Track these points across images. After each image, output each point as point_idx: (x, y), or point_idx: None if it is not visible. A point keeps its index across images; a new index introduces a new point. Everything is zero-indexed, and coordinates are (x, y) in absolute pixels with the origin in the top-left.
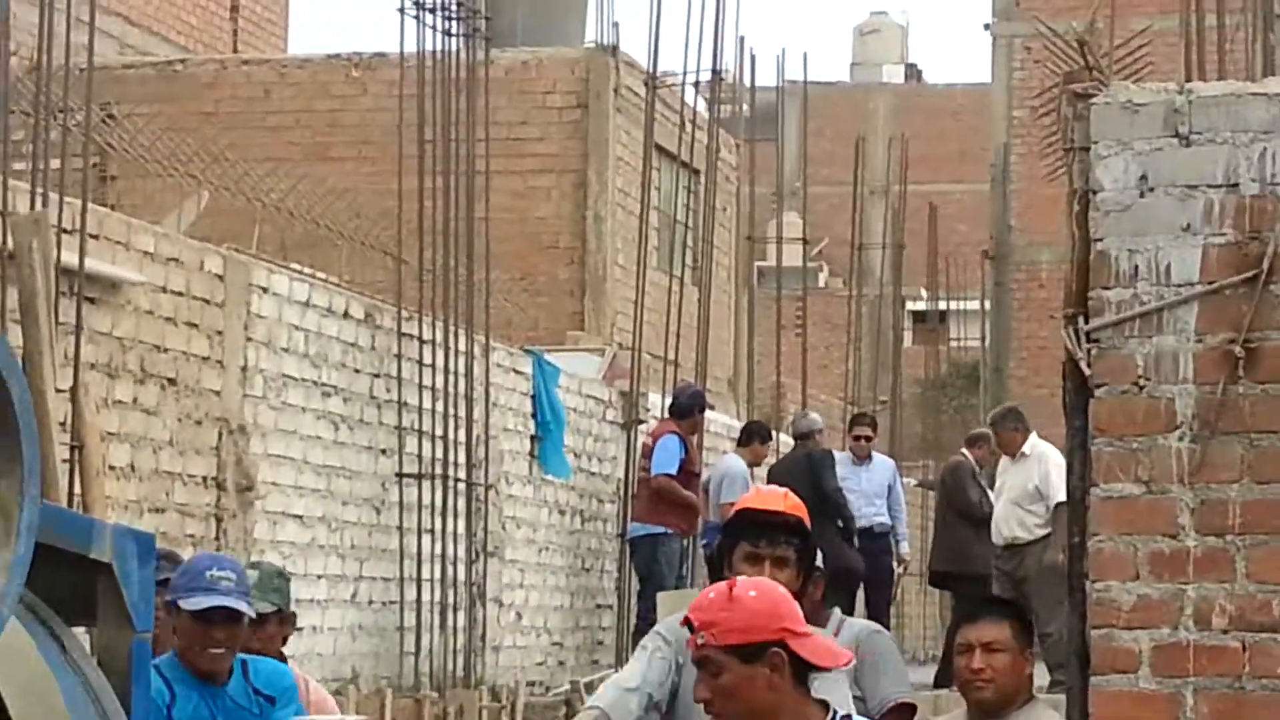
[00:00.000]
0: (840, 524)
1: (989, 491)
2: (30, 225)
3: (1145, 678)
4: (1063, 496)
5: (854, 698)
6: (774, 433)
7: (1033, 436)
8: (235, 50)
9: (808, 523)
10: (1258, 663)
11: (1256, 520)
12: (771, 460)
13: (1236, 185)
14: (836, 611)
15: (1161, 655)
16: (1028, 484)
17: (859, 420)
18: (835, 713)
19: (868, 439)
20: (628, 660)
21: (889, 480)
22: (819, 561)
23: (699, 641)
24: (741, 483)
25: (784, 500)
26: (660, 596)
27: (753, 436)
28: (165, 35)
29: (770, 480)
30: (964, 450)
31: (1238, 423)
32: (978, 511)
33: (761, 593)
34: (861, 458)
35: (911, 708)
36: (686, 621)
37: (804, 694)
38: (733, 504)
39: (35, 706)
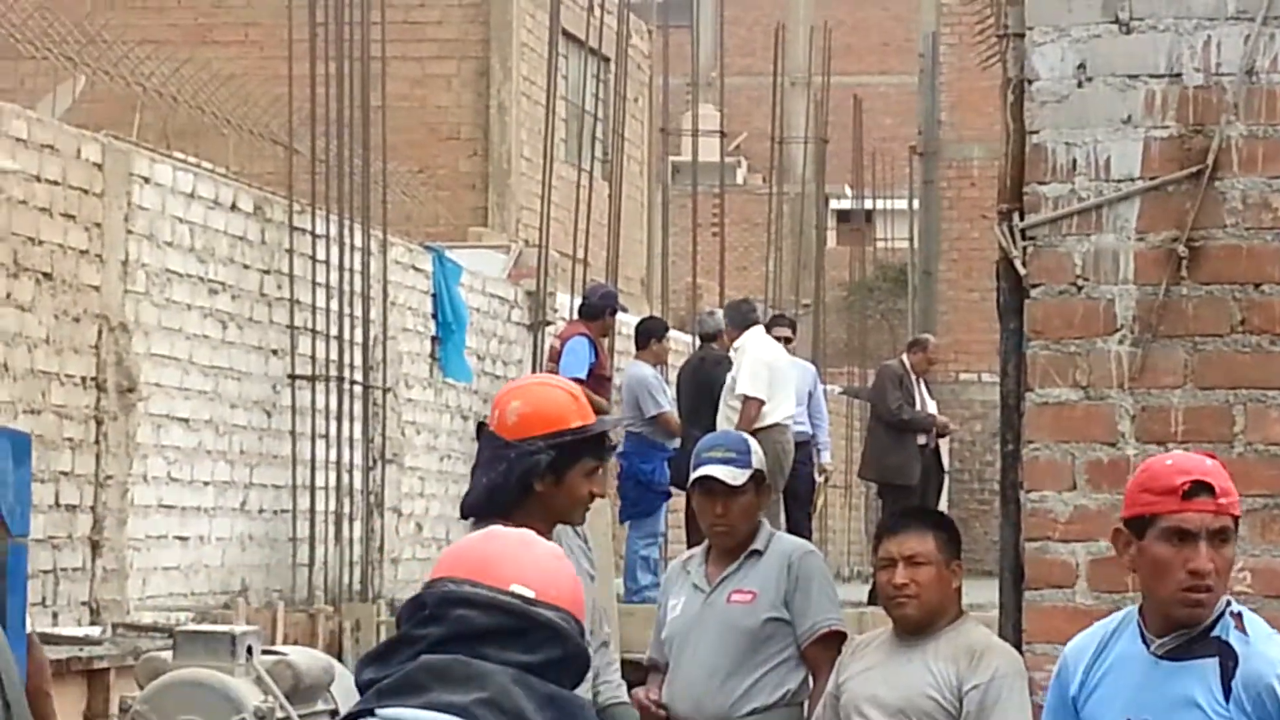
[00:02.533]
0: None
1: (920, 398)
2: None
3: (1082, 592)
4: (748, 390)
5: (782, 620)
6: (669, 329)
7: (748, 333)
8: None
9: None
10: None
11: (1199, 427)
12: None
13: (1180, 75)
14: (766, 524)
15: (1099, 570)
16: (730, 381)
17: (777, 321)
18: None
19: (786, 341)
20: None
21: (809, 386)
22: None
23: (1222, 504)
24: (659, 388)
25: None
26: None
27: (649, 336)
28: None
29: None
30: (902, 355)
31: (1180, 325)
32: (891, 417)
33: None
34: None
35: (841, 635)
36: (1194, 485)
37: None
38: (662, 414)
39: None
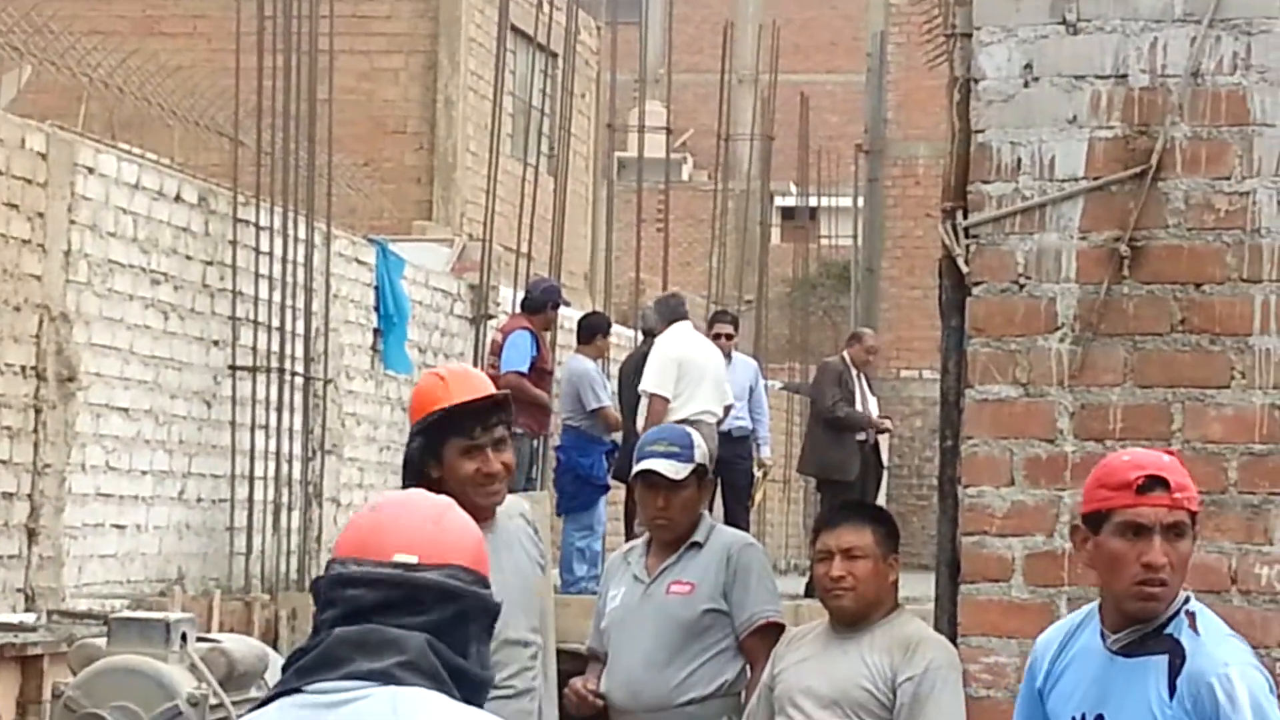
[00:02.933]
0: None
1: (861, 394)
2: None
3: (1018, 586)
4: (649, 387)
5: (720, 612)
6: (613, 325)
7: (671, 328)
8: None
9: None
10: None
11: (1138, 425)
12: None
13: (1125, 76)
14: (707, 517)
15: (1035, 564)
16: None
17: (719, 318)
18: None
19: (728, 337)
20: None
21: (750, 381)
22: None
23: (1177, 499)
24: (600, 382)
25: (480, 382)
26: (509, 499)
27: (593, 332)
28: None
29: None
30: (843, 351)
31: (1121, 324)
32: (828, 413)
33: None
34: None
35: (779, 627)
36: (1148, 480)
37: None
38: (602, 408)
39: None
